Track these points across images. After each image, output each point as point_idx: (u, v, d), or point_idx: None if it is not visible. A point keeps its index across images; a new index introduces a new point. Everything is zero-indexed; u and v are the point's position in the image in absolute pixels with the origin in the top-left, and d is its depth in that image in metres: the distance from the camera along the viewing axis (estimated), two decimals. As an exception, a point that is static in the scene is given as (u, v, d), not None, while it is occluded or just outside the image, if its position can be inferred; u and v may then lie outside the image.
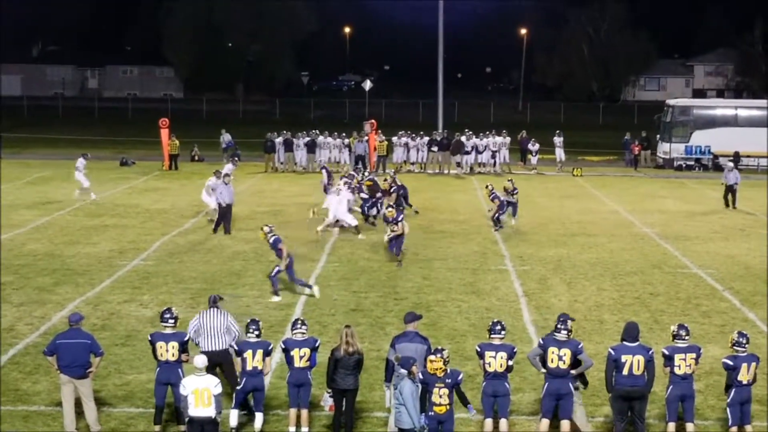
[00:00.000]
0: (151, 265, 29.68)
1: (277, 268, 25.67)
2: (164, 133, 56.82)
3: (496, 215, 35.46)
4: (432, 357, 15.60)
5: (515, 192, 36.50)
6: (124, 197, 44.66)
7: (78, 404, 16.68)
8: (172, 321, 16.88)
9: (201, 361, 15.26)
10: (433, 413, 15.38)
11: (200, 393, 14.97)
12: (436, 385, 15.43)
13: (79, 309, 24.43)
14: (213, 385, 15.06)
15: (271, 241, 25.65)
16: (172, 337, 16.68)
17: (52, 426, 17.04)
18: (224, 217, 34.75)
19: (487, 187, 36.25)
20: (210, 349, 17.11)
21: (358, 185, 36.37)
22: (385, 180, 37.61)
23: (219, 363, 17.27)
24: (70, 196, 43.58)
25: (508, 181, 37.40)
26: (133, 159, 58.61)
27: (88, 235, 34.65)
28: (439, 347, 16.12)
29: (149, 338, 16.86)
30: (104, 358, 17.83)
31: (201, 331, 17.35)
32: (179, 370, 16.61)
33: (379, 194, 36.22)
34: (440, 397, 15.41)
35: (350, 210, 35.00)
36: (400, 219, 29.76)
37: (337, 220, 34.34)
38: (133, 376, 19.38)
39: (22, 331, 22.74)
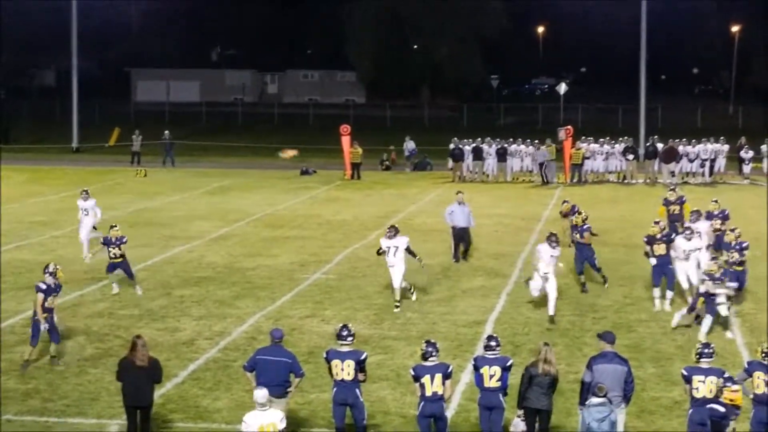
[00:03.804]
0: (333, 279, 30.14)
1: None
2: (345, 140, 57.44)
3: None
4: (732, 386, 15.54)
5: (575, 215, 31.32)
6: (305, 208, 45.46)
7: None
8: (350, 338, 17.07)
9: (262, 395, 14.99)
10: None
11: (265, 429, 14.77)
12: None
13: (259, 324, 25.04)
14: (278, 419, 14.89)
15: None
16: (349, 356, 16.86)
17: (234, 445, 17.51)
18: (461, 240, 33.01)
19: (565, 203, 34.06)
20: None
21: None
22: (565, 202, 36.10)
23: None
24: (249, 207, 44.60)
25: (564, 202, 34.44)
26: (314, 168, 59.52)
27: (268, 246, 35.39)
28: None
29: (325, 356, 17.09)
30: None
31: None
32: (356, 389, 16.82)
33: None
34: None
35: None
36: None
37: None
38: (315, 395, 19.72)
39: (202, 345, 23.42)
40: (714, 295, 23.49)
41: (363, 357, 17.02)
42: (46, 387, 20.41)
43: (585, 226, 29.22)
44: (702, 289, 23.76)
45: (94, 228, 33.54)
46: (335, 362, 16.80)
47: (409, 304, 27.07)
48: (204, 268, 31.82)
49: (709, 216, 30.84)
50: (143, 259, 32.84)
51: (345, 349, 16.96)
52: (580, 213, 30.84)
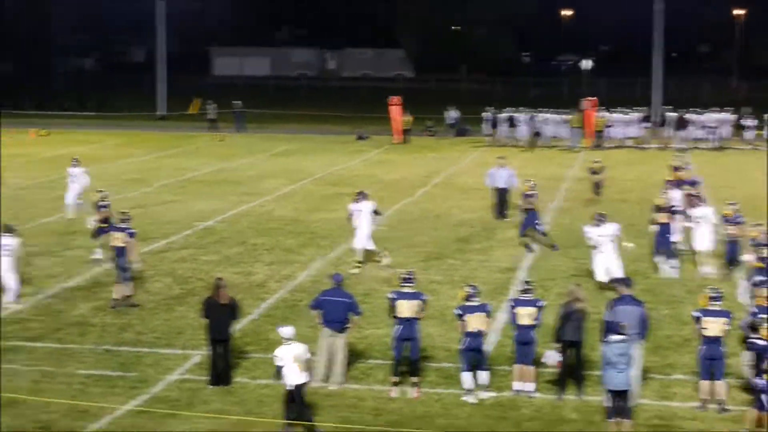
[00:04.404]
0: (386, 231, 30.07)
1: None
2: (393, 109, 57.63)
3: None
4: None
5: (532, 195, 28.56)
6: (360, 168, 45.44)
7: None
8: (412, 282, 17.08)
9: (289, 331, 15.12)
10: None
11: (298, 359, 14.88)
12: None
13: (322, 269, 25.08)
14: (303, 350, 14.98)
15: None
16: (412, 296, 16.88)
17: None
18: (501, 199, 32.20)
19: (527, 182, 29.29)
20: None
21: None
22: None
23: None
24: (311, 168, 44.65)
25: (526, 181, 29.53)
26: (368, 133, 59.43)
27: (328, 202, 35.41)
28: None
29: (390, 297, 17.07)
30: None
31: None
32: (416, 327, 16.83)
33: None
34: None
35: None
36: None
37: None
38: (370, 331, 19.75)
39: (272, 287, 23.53)
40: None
41: (424, 298, 17.09)
42: (138, 322, 20.59)
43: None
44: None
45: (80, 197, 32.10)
46: (400, 302, 16.78)
47: (452, 251, 27.08)
48: (274, 220, 31.90)
49: (679, 183, 28.94)
50: (222, 212, 32.99)
51: (408, 290, 16.92)
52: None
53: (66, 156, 47.62)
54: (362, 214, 25.40)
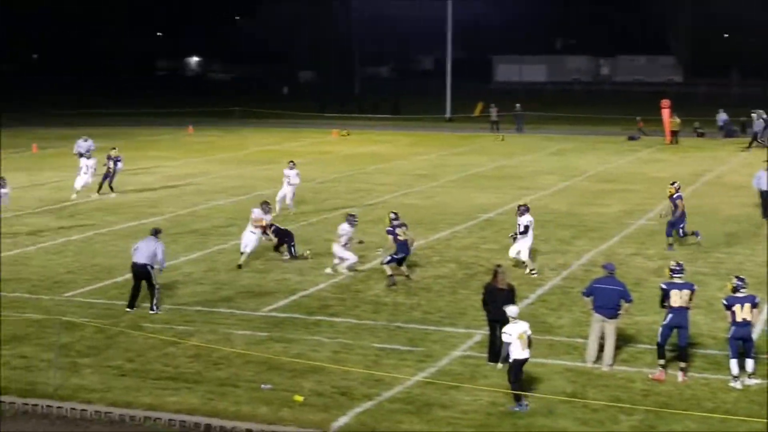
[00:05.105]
0: (655, 225, 29.29)
1: None
2: (665, 112, 56.26)
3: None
4: None
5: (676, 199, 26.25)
6: (631, 166, 44.43)
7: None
8: (683, 272, 16.58)
9: (514, 310, 15.31)
10: None
11: (522, 337, 14.97)
12: None
13: (593, 259, 24.69)
14: (527, 328, 15.14)
15: None
16: (684, 286, 16.34)
17: (573, 354, 17.33)
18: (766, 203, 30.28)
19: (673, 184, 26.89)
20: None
21: None
22: None
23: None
24: (584, 165, 44.06)
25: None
26: (639, 134, 58.06)
27: (600, 197, 34.82)
28: None
29: (662, 287, 16.57)
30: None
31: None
32: (687, 315, 16.29)
33: None
34: None
35: None
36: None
37: None
38: (639, 317, 19.27)
39: (547, 274, 23.32)
40: None
41: (694, 288, 16.58)
42: (426, 302, 20.89)
43: None
44: None
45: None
46: (674, 292, 16.30)
47: (719, 245, 26.05)
48: (549, 213, 31.64)
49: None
50: (501, 205, 33.05)
51: (678, 281, 16.45)
52: None
53: (363, 154, 49.18)
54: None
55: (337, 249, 23.17)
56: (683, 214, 26.07)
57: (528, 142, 56.11)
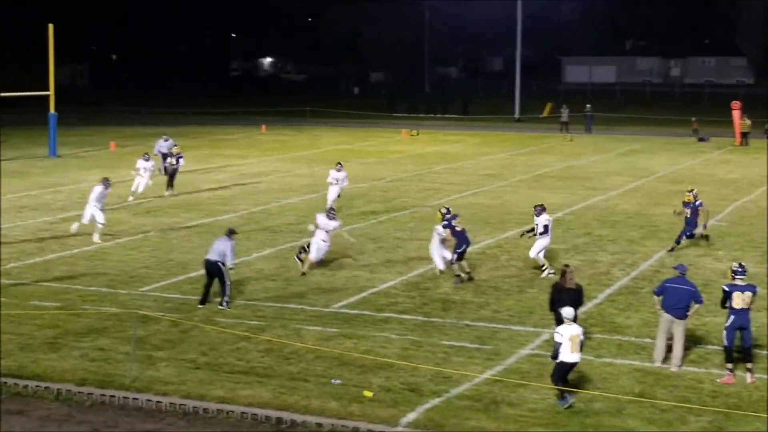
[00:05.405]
0: (725, 226, 28.92)
1: None
2: (736, 114, 55.62)
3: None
4: None
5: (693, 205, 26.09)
6: (701, 167, 43.86)
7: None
8: (745, 274, 16.31)
9: (569, 312, 14.97)
10: None
11: (574, 339, 14.64)
12: None
13: (662, 259, 24.39)
14: (580, 331, 14.81)
15: None
16: (746, 288, 16.10)
17: (641, 354, 17.13)
18: None
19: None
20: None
21: None
22: None
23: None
24: (654, 166, 43.53)
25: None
26: (709, 136, 57.25)
27: (670, 198, 34.33)
28: None
29: (725, 288, 16.34)
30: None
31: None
32: (748, 316, 16.03)
33: None
34: None
35: None
36: None
37: None
38: (709, 319, 18.98)
39: (616, 274, 23.10)
40: None
41: (756, 290, 16.32)
42: (494, 301, 20.82)
43: None
44: None
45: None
46: (736, 293, 16.07)
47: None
48: (618, 213, 31.36)
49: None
50: (570, 205, 32.82)
51: (740, 282, 16.20)
52: None
53: (432, 154, 49.17)
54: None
55: (433, 249, 22.64)
56: (695, 220, 25.72)
57: (597, 142, 55.63)
